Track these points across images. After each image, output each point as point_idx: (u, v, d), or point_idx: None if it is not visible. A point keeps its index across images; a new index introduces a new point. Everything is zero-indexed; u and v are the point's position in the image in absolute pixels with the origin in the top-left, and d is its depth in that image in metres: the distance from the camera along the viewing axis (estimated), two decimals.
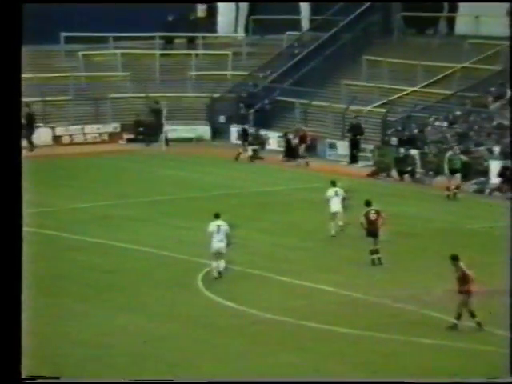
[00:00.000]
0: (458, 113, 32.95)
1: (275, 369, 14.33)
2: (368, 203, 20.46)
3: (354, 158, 33.27)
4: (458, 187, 27.45)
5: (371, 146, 33.09)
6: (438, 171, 30.04)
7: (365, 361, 14.71)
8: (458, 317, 16.11)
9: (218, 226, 19.01)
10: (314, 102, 36.09)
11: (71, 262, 19.69)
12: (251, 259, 20.28)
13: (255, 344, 15.45)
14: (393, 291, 18.06)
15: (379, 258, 19.93)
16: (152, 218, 24.52)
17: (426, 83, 35.25)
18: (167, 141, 34.90)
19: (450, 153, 28.68)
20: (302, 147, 32.78)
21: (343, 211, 22.36)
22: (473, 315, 16.07)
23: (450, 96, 34.05)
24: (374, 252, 19.93)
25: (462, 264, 16.35)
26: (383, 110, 34.52)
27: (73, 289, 17.95)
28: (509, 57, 32.99)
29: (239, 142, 34.00)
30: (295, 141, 33.02)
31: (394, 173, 30.80)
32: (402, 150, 31.41)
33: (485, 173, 29.14)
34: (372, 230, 19.98)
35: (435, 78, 35.17)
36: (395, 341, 15.58)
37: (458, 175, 27.78)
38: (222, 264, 19.02)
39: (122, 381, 11.21)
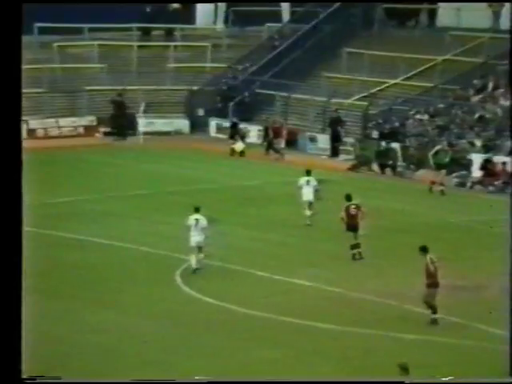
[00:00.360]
0: (440, 106, 33.14)
1: (256, 365, 14.37)
2: (348, 197, 20.55)
3: (334, 152, 33.37)
4: (442, 183, 27.58)
5: (352, 140, 33.21)
6: (420, 165, 30.22)
7: (346, 357, 14.79)
8: (434, 310, 16.16)
9: (197, 219, 19.25)
10: (294, 95, 36.13)
11: (47, 258, 19.59)
12: (231, 254, 20.30)
13: (235, 340, 15.48)
14: (374, 286, 18.16)
15: (359, 253, 20.04)
16: (130, 212, 24.46)
17: (407, 76, 35.39)
18: (124, 134, 34.60)
19: (438, 147, 28.81)
20: (278, 141, 32.48)
21: (315, 201, 22.66)
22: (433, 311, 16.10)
23: (432, 89, 34.22)
24: (355, 247, 20.03)
25: (428, 257, 16.34)
26: (364, 103, 34.63)
27: (49, 285, 17.87)
28: (491, 49, 33.27)
29: (221, 136, 33.72)
30: (269, 133, 32.92)
31: (375, 166, 30.94)
32: (383, 143, 31.55)
33: (466, 166, 29.35)
34: (352, 225, 20.07)
35: (416, 71, 35.33)
36: (377, 336, 15.68)
37: (444, 171, 27.91)
38: (200, 257, 19.20)
39: (122, 381, 11.22)
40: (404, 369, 11.56)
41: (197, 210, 19.40)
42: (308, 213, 22.79)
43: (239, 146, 32.48)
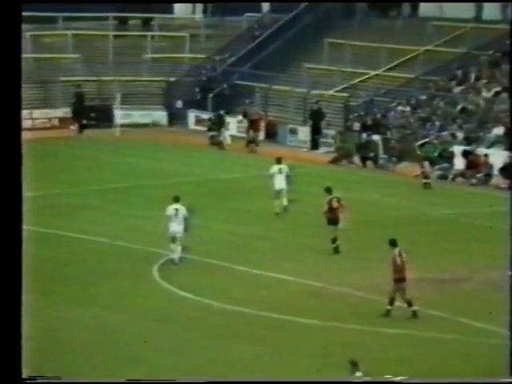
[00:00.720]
0: (422, 97, 33.26)
1: (235, 361, 14.36)
2: (329, 190, 20.56)
3: (315, 144, 33.40)
4: (427, 176, 27.61)
5: (333, 132, 33.25)
6: (402, 157, 30.32)
7: (326, 352, 14.82)
8: (391, 302, 16.23)
9: (176, 209, 19.30)
10: (274, 86, 36.11)
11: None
12: (210, 249, 20.27)
13: (214, 336, 15.46)
14: (355, 280, 18.21)
15: (338, 246, 20.05)
16: (105, 206, 24.34)
17: (388, 66, 35.49)
18: (82, 126, 34.41)
19: (425, 139, 28.78)
20: (256, 134, 31.89)
21: (287, 189, 22.94)
22: (410, 304, 16.18)
23: (414, 80, 34.34)
24: (336, 240, 20.06)
25: (396, 250, 16.41)
26: (345, 95, 34.68)
27: (24, 281, 17.69)
28: (473, 39, 33.39)
29: (200, 128, 33.35)
30: (245, 123, 32.68)
31: (357, 159, 31.01)
32: (364, 135, 31.62)
33: (448, 158, 29.48)
34: (333, 218, 20.09)
35: (398, 62, 35.43)
36: (357, 331, 15.73)
37: (427, 163, 27.94)
38: (178, 248, 19.23)
39: (122, 381, 11.22)
40: (353, 364, 11.62)
41: (176, 200, 19.52)
42: (282, 202, 23.18)
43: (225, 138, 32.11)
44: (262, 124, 32.72)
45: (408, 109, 32.96)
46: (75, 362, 14.02)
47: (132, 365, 11.90)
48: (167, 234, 19.22)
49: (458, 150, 29.45)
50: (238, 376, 13.47)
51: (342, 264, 19.54)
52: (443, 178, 28.92)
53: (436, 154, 28.31)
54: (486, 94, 31.98)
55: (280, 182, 23.04)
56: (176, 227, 19.08)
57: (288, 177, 23.16)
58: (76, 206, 24.21)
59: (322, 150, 32.99)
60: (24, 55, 40.96)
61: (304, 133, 33.76)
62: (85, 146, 32.64)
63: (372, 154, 30.83)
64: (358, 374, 11.67)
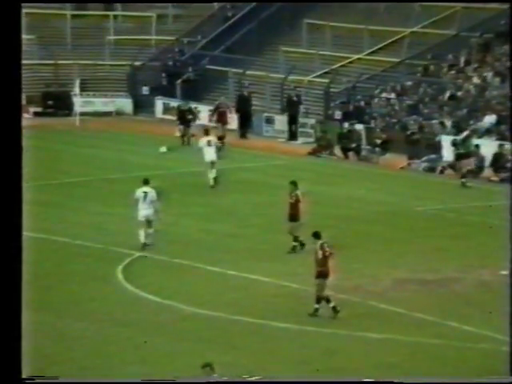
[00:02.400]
0: (408, 83, 33.45)
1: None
2: (294, 184, 20.55)
3: (292, 135, 33.46)
4: (466, 173, 26.74)
5: (312, 121, 33.35)
6: (386, 148, 30.48)
7: (305, 358, 14.88)
8: (318, 301, 16.39)
9: (145, 192, 19.92)
10: (248, 72, 36.14)
11: None
12: (179, 248, 20.26)
13: (183, 342, 15.46)
14: (335, 281, 18.27)
15: (296, 246, 20.01)
16: (64, 202, 24.22)
17: (372, 50, 35.66)
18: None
19: (467, 132, 28.32)
20: (223, 127, 30.95)
21: (217, 160, 24.53)
22: (328, 300, 16.36)
23: (399, 64, 34.53)
24: (297, 238, 19.97)
25: (318, 243, 16.57)
26: (325, 81, 34.79)
27: None
28: (463, 20, 33.57)
29: (168, 117, 33.06)
30: (213, 118, 31.74)
31: (338, 150, 31.12)
32: (346, 124, 31.74)
33: (436, 149, 29.66)
34: (295, 214, 20.05)
35: (382, 44, 35.62)
36: (339, 336, 15.81)
37: (472, 160, 27.43)
38: (150, 231, 19.78)
39: (122, 381, 11.29)
40: (207, 366, 11.70)
41: (146, 182, 20.22)
42: (212, 174, 24.79)
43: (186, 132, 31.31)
44: (229, 117, 32.04)
45: (393, 95, 33.14)
46: (32, 371, 13.94)
47: (92, 375, 11.86)
48: (137, 218, 19.83)
49: (446, 139, 29.66)
50: None
51: None
52: (431, 170, 29.11)
53: (471, 149, 27.87)
54: (476, 80, 32.22)
55: (210, 154, 24.75)
56: (145, 211, 19.89)
57: (218, 149, 25.10)
58: (30, 202, 23.86)
59: (301, 140, 33.08)
60: None
61: (281, 122, 33.82)
62: (40, 137, 32.37)
63: (354, 145, 30.96)
64: (215, 376, 11.76)
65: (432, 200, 25.45)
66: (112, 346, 15.28)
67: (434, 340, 15.53)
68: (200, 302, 17.08)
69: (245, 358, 14.88)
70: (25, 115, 35.68)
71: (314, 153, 31.11)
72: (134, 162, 28.77)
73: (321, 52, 35.79)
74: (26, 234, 22.05)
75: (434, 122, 31.06)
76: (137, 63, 37.82)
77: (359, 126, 31.48)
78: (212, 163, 24.89)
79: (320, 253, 16.43)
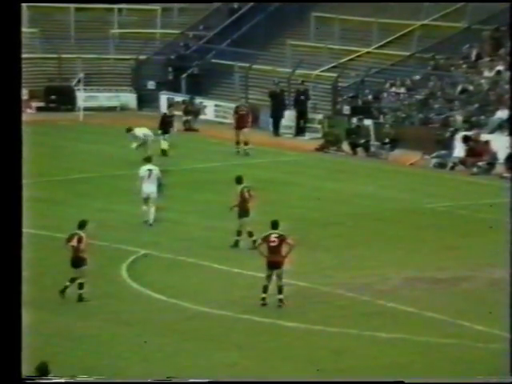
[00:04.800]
0: (418, 77, 33.37)
1: (210, 370, 14.38)
2: (239, 180, 20.44)
3: (300, 130, 33.42)
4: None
5: (320, 116, 33.29)
6: (396, 143, 30.43)
7: (313, 358, 14.88)
8: (265, 290, 16.66)
9: (150, 170, 20.78)
10: (255, 66, 36.09)
11: None
12: (184, 245, 20.27)
13: (189, 342, 15.47)
14: (344, 280, 18.27)
15: (242, 243, 19.94)
16: (68, 199, 24.25)
17: (381, 43, 35.58)
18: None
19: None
20: (243, 132, 29.41)
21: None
22: (279, 291, 16.68)
23: (409, 58, 34.45)
24: (241, 233, 19.90)
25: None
26: (333, 75, 34.73)
27: None
28: (475, 12, 33.49)
29: (173, 112, 32.72)
30: (232, 122, 30.21)
31: (346, 146, 31.07)
32: (354, 119, 31.69)
33: (447, 145, 29.60)
34: (245, 210, 19.99)
35: (392, 38, 35.53)
36: (347, 335, 15.79)
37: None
38: (152, 210, 20.65)
39: (122, 381, 11.34)
40: (42, 369, 11.70)
41: (148, 160, 21.17)
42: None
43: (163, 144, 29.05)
44: (250, 120, 30.21)
45: (403, 90, 33.07)
46: (32, 372, 13.96)
47: (96, 374, 11.87)
48: (140, 195, 20.83)
49: (457, 135, 29.58)
50: None
51: (331, 262, 19.60)
52: (441, 166, 29.06)
53: None
54: (488, 74, 32.12)
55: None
56: (149, 188, 20.68)
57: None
58: (32, 199, 24.00)
59: (308, 136, 33.04)
60: None
61: (289, 117, 33.77)
62: (43, 132, 32.44)
63: (363, 141, 30.91)
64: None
65: (442, 197, 25.40)
66: (116, 345, 15.30)
67: (445, 340, 15.51)
68: (205, 301, 17.10)
69: (251, 357, 14.89)
70: (27, 110, 35.77)
71: (321, 149, 31.07)
72: (138, 158, 28.77)
73: (329, 46, 35.73)
74: (28, 231, 22.17)
75: (444, 117, 30.99)
76: (141, 57, 37.80)
77: (368, 122, 31.43)
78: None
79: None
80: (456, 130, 29.76)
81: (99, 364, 14.29)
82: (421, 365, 14.62)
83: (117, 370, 14.09)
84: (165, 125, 29.32)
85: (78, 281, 16.98)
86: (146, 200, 20.74)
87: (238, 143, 29.50)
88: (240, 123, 29.77)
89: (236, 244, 20.02)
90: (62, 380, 11.58)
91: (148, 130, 27.50)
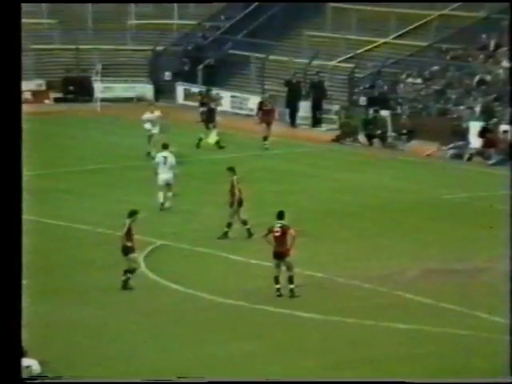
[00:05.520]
0: (435, 67, 33.23)
1: (228, 359, 14.44)
2: (232, 170, 20.55)
3: (316, 121, 33.37)
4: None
5: (336, 107, 33.24)
6: (412, 135, 30.35)
7: (330, 349, 14.90)
8: (276, 281, 16.72)
9: (165, 157, 21.60)
10: (271, 57, 36.04)
11: None
12: (201, 236, 20.32)
13: (205, 332, 15.53)
14: (361, 271, 18.27)
15: (226, 232, 19.90)
16: (85, 190, 24.34)
17: (398, 34, 35.43)
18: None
19: None
20: (268, 127, 29.02)
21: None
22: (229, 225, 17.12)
23: (426, 48, 34.30)
24: (231, 225, 19.91)
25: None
26: (350, 65, 34.64)
27: None
28: (494, 2, 33.30)
29: (189, 103, 32.42)
30: (257, 117, 29.78)
31: (362, 137, 31.02)
32: (371, 110, 31.61)
33: (464, 135, 29.48)
34: (237, 201, 20.06)
35: (409, 28, 35.38)
36: (365, 326, 15.79)
37: None
38: (169, 194, 21.48)
39: (122, 381, 11.42)
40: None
41: (165, 147, 21.83)
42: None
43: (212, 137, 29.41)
44: (275, 115, 30.03)
45: (419, 80, 32.95)
46: (51, 360, 14.07)
47: (115, 363, 11.94)
48: (157, 182, 21.55)
49: (474, 126, 29.46)
50: (231, 376, 13.57)
51: (348, 253, 19.60)
52: (458, 157, 28.96)
53: None
54: (506, 64, 31.93)
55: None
56: (165, 175, 21.53)
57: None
58: (50, 190, 24.22)
59: (324, 127, 32.99)
60: None
61: (305, 108, 33.72)
62: (61, 123, 32.57)
63: (379, 132, 30.84)
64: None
65: (459, 188, 25.32)
66: (134, 334, 15.38)
67: (463, 331, 15.48)
68: (223, 291, 17.14)
69: (268, 347, 14.93)
70: (45, 101, 35.92)
71: (337, 140, 31.02)
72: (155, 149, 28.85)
73: (346, 36, 35.62)
74: (46, 221, 22.29)
75: (462, 107, 30.86)
76: (158, 48, 37.82)
77: (385, 112, 31.34)
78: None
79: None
80: (473, 121, 29.67)
81: (117, 354, 14.37)
82: (437, 356, 14.62)
83: (135, 360, 14.16)
84: (211, 118, 29.18)
85: (126, 268, 17.12)
86: (163, 186, 21.43)
87: (265, 139, 29.02)
88: (264, 118, 29.49)
89: (225, 235, 20.01)
90: (62, 380, 11.63)
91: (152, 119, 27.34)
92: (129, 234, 17.22)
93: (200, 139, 28.80)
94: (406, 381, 10.95)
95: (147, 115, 26.96)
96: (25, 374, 11.38)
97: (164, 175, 21.56)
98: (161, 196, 21.55)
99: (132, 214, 17.47)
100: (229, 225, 20.08)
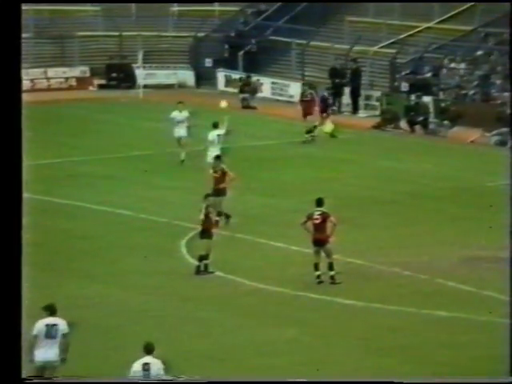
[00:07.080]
0: (479, 52, 32.89)
1: (269, 345, 14.56)
2: (218, 158, 20.43)
3: (356, 107, 33.25)
4: None
5: (378, 93, 33.09)
6: (455, 121, 30.11)
7: (370, 336, 14.95)
8: (316, 268, 16.81)
9: (218, 135, 22.56)
10: (312, 43, 35.96)
11: (36, 226, 19.77)
12: (242, 222, 20.43)
13: (247, 317, 15.66)
14: (401, 258, 18.25)
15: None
16: (128, 176, 24.58)
17: (441, 18, 35.11)
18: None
19: None
20: (307, 120, 28.47)
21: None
22: (330, 267, 16.81)
23: (470, 33, 33.94)
24: (221, 214, 19.77)
25: (317, 210, 16.93)
26: (392, 51, 34.44)
27: (39, 257, 18.08)
28: None
29: (230, 90, 32.38)
30: (299, 108, 29.11)
31: (404, 123, 30.86)
32: (413, 96, 31.42)
33: (508, 122, 29.19)
34: (222, 189, 19.87)
35: (453, 13, 35.03)
36: (405, 313, 15.81)
37: None
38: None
39: (122, 381, 11.60)
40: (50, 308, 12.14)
41: (215, 126, 22.70)
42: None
43: (328, 126, 28.66)
44: (316, 107, 29.24)
45: (463, 66, 32.65)
46: (97, 343, 14.32)
47: (156, 347, 12.11)
48: (207, 159, 22.04)
49: None
50: (273, 360, 13.68)
51: (387, 240, 19.59)
52: (502, 144, 28.70)
53: None
54: None
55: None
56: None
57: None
58: (95, 175, 24.49)
59: (365, 113, 32.88)
60: (38, 7, 40.84)
61: (347, 95, 33.62)
62: (104, 109, 32.86)
63: (421, 118, 30.66)
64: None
65: (503, 175, 25.07)
66: (175, 319, 15.57)
67: (506, 320, 15.42)
68: (263, 277, 17.26)
69: (309, 333, 15.03)
70: (89, 88, 36.24)
71: (378, 126, 30.91)
72: (196, 136, 28.99)
73: (388, 21, 35.40)
74: (89, 206, 22.54)
75: (506, 94, 30.53)
76: (200, 35, 37.93)
77: (427, 98, 31.14)
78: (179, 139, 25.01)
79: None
80: None
81: (161, 338, 14.55)
82: (479, 344, 14.59)
83: (178, 344, 14.35)
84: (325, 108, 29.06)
85: (201, 253, 17.19)
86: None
87: (309, 132, 28.39)
88: (305, 110, 29.21)
89: (226, 221, 19.96)
90: (62, 380, 11.79)
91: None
92: (207, 217, 17.38)
93: (314, 126, 28.28)
94: (405, 381, 11.01)
95: (175, 114, 25.52)
96: (53, 332, 11.85)
97: (215, 153, 21.51)
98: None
99: (205, 197, 17.65)
100: (219, 213, 19.68)
